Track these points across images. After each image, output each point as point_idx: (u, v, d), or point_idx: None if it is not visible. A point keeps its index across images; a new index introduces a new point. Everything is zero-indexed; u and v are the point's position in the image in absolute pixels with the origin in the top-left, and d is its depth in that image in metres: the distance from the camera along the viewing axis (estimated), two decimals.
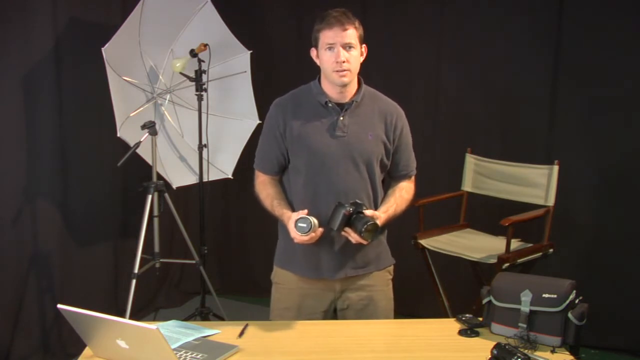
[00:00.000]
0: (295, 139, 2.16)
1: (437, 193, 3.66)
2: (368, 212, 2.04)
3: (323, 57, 2.11)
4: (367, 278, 2.24)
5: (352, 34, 2.08)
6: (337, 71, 2.08)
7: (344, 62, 2.06)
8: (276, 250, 2.33)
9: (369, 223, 1.99)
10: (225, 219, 4.60)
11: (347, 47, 2.07)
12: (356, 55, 2.10)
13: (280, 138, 2.19)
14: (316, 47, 2.14)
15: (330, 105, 2.15)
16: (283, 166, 2.24)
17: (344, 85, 2.13)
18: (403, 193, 2.26)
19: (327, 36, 2.07)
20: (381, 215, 2.11)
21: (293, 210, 2.14)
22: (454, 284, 3.63)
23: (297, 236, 2.03)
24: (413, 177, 2.33)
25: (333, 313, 2.28)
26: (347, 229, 2.04)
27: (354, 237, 2.04)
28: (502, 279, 2.10)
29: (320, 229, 2.06)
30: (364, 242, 2.04)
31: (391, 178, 2.30)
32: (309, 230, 2.01)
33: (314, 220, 2.02)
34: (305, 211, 2.05)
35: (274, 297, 2.31)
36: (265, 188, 2.24)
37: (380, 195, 2.24)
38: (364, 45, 2.15)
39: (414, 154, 2.31)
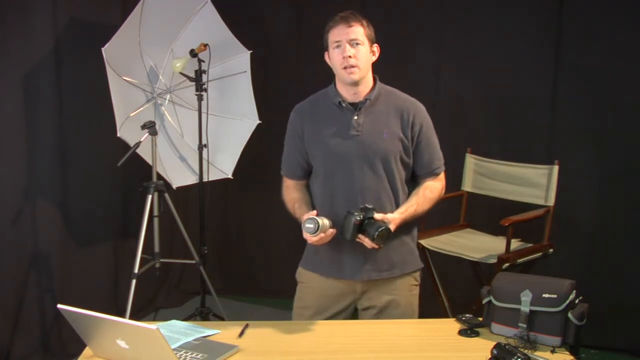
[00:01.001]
0: (312, 141, 2.19)
1: None
2: (378, 217, 2.03)
3: (332, 56, 2.14)
4: (389, 282, 2.23)
5: (357, 30, 2.10)
6: (345, 68, 2.09)
7: (350, 57, 2.08)
8: (304, 253, 2.34)
9: (380, 229, 1.99)
10: (225, 219, 4.60)
11: (353, 43, 2.09)
12: (364, 52, 2.11)
13: (299, 142, 2.22)
14: (327, 49, 2.17)
15: (344, 105, 2.16)
16: (307, 171, 2.27)
17: (354, 83, 2.13)
18: (427, 192, 2.22)
19: (334, 34, 2.11)
20: (395, 216, 2.09)
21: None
22: (454, 284, 3.63)
23: (307, 237, 2.04)
24: (441, 175, 2.29)
25: (353, 313, 2.29)
26: (361, 236, 2.04)
27: (367, 243, 2.04)
28: (502, 279, 2.10)
29: (332, 230, 2.05)
30: (377, 247, 2.04)
31: (417, 177, 2.27)
32: (316, 231, 2.01)
33: (323, 221, 2.02)
34: (314, 212, 2.06)
35: (296, 296, 2.33)
36: (289, 193, 2.28)
37: (403, 194, 2.21)
38: (375, 44, 2.17)
39: (439, 150, 2.28)
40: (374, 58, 2.17)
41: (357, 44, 2.09)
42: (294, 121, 2.25)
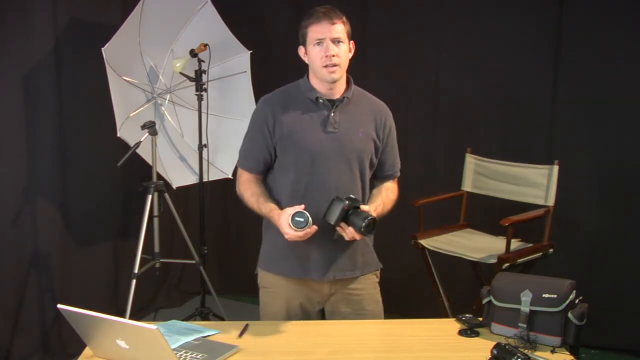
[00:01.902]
0: (286, 135, 2.13)
1: (437, 193, 3.66)
2: (364, 207, 2.03)
3: (312, 52, 2.10)
4: (354, 282, 2.23)
5: (340, 28, 2.08)
6: (327, 66, 2.06)
7: (333, 56, 2.05)
8: (260, 254, 2.29)
9: (369, 218, 1.97)
10: (225, 219, 4.60)
11: (336, 41, 2.07)
12: (345, 51, 2.10)
13: (268, 135, 2.16)
14: (304, 44, 2.13)
15: (321, 101, 2.14)
16: (268, 165, 2.21)
17: (334, 82, 2.11)
18: (389, 193, 2.25)
19: (315, 31, 2.07)
20: (373, 211, 2.08)
21: (280, 208, 2.11)
22: (454, 284, 3.63)
23: (290, 232, 1.99)
24: (396, 179, 2.32)
25: (321, 315, 2.27)
26: (343, 224, 2.02)
27: (348, 233, 2.02)
28: (502, 279, 2.10)
29: (315, 227, 2.03)
30: (358, 238, 2.02)
31: (375, 179, 2.28)
32: (305, 226, 1.98)
33: (309, 216, 2.00)
34: (303, 206, 2.02)
35: (262, 302, 2.29)
36: (249, 187, 2.20)
37: (368, 194, 2.22)
38: (351, 41, 2.14)
39: (399, 156, 2.31)
40: (351, 55, 2.15)
41: (339, 42, 2.07)
42: (263, 112, 2.17)
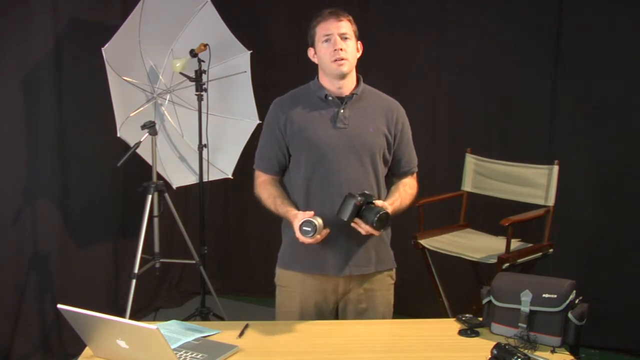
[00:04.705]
0: (296, 133, 2.17)
1: (437, 193, 3.66)
2: (379, 202, 2.05)
3: (321, 49, 2.14)
4: (369, 281, 2.23)
5: (346, 25, 2.14)
6: (336, 60, 2.11)
7: (341, 49, 2.10)
8: (279, 253, 2.32)
9: (381, 212, 1.99)
10: (225, 219, 4.60)
11: (343, 37, 2.12)
12: (352, 47, 2.14)
13: (280, 135, 2.20)
14: (313, 43, 2.18)
15: (330, 98, 2.17)
16: (283, 165, 2.24)
17: (343, 76, 2.14)
18: (407, 188, 2.27)
19: (323, 28, 2.13)
20: (389, 205, 2.10)
21: (297, 208, 2.14)
22: (454, 284, 3.63)
23: (301, 237, 2.03)
24: (415, 174, 2.34)
25: (335, 315, 2.28)
26: (357, 220, 2.04)
27: (364, 228, 2.04)
28: (502, 279, 2.10)
29: (326, 230, 2.05)
30: (376, 233, 2.05)
31: (393, 175, 2.31)
32: (313, 234, 2.01)
33: (319, 222, 2.02)
34: (312, 213, 2.05)
35: (277, 300, 2.31)
36: (266, 188, 2.23)
37: (384, 190, 2.24)
38: (359, 41, 2.19)
39: (414, 151, 2.32)
40: (359, 54, 2.19)
41: (346, 38, 2.13)
42: (275, 114, 2.22)
